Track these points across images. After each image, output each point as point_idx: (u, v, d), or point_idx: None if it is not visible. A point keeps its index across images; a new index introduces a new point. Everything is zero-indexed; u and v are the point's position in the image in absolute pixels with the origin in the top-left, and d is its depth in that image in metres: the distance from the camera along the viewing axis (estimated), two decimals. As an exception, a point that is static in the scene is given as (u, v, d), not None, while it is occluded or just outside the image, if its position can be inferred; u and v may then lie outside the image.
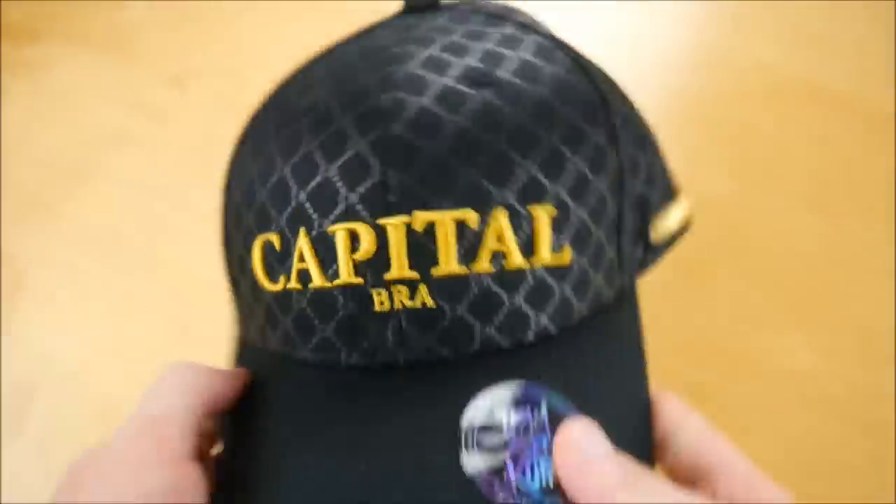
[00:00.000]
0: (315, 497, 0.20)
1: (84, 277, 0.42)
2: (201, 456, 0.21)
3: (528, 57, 0.23)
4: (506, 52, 0.23)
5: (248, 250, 0.23)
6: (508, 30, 0.25)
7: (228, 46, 0.53)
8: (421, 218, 0.20)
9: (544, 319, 0.21)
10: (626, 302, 0.25)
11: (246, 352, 0.25)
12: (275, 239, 0.22)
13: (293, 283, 0.21)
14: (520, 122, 0.21)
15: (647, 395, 0.23)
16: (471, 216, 0.20)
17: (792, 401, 0.38)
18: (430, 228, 0.20)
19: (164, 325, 0.40)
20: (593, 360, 0.22)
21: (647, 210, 0.25)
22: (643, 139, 0.27)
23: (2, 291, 0.42)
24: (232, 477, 0.22)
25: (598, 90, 0.24)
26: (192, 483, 0.20)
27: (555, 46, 0.25)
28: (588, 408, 0.20)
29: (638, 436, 0.21)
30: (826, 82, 0.51)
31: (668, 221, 0.28)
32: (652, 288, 0.42)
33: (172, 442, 0.20)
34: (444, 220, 0.20)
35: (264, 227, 0.22)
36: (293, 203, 0.21)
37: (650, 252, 0.27)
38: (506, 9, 0.27)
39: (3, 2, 0.55)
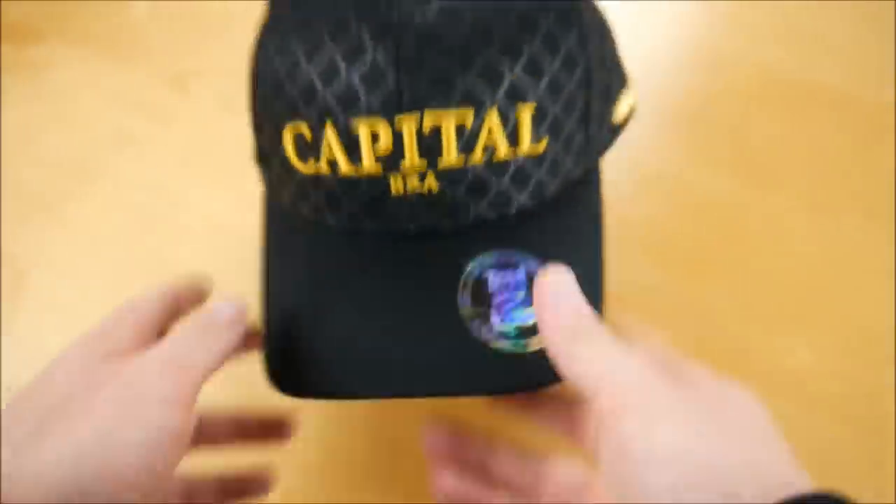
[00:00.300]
0: (352, 330, 0.27)
1: (85, 277, 0.42)
2: None
3: None
4: None
5: (280, 135, 0.28)
6: None
7: (230, 46, 0.53)
8: (429, 118, 0.25)
9: (524, 197, 0.27)
10: (591, 177, 0.31)
11: (275, 207, 0.31)
12: (305, 129, 0.26)
13: (323, 168, 0.26)
14: (508, 32, 0.25)
15: (602, 255, 0.30)
16: (467, 115, 0.25)
17: (792, 401, 0.38)
18: (436, 128, 0.25)
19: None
20: (563, 226, 0.29)
21: (609, 96, 0.30)
22: (605, 30, 0.31)
23: (2, 291, 0.42)
24: (275, 310, 0.29)
25: (582, 13, 0.28)
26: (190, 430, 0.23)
27: None
28: (558, 254, 0.27)
29: (593, 288, 0.28)
30: (826, 82, 0.51)
31: (623, 106, 0.32)
32: (652, 288, 0.42)
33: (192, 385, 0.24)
34: (448, 120, 0.25)
35: (295, 117, 0.27)
36: (320, 101, 0.26)
37: (611, 133, 0.32)
38: None
39: (3, 2, 0.55)
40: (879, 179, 0.46)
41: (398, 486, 0.36)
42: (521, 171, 0.27)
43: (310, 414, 0.37)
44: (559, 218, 0.28)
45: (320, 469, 0.36)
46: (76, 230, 0.44)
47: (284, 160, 0.28)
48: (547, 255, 0.27)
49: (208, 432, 0.31)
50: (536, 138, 0.26)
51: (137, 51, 0.53)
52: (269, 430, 0.33)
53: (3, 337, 0.40)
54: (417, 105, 0.25)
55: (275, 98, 0.28)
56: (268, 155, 0.30)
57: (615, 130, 0.33)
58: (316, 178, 0.27)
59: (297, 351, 0.28)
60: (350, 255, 0.28)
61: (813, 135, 0.48)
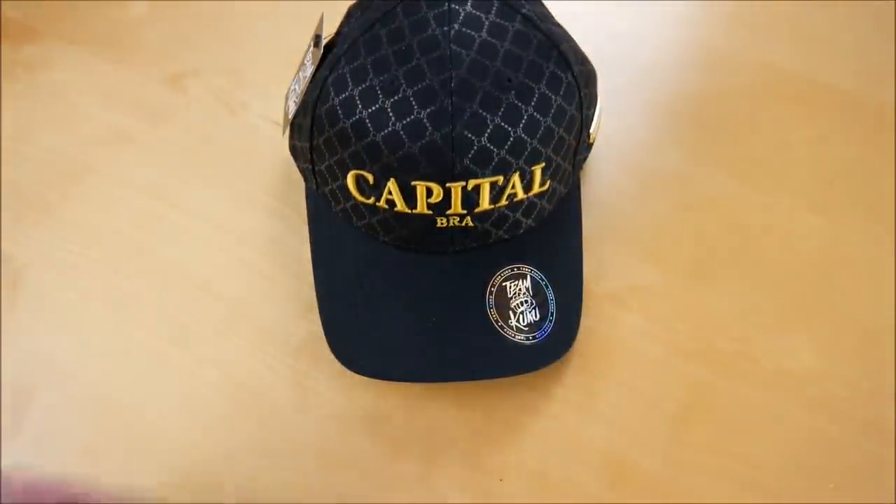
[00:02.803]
0: (400, 324, 0.35)
1: (83, 277, 0.42)
2: None
3: (546, 91, 0.34)
4: (537, 86, 0.34)
5: (343, 173, 0.35)
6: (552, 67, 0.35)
7: (228, 46, 0.53)
8: (472, 183, 0.33)
9: (530, 221, 0.37)
10: (573, 190, 0.40)
11: (323, 205, 0.39)
12: (369, 176, 0.34)
13: (381, 204, 0.35)
14: (531, 115, 0.34)
15: (581, 248, 0.39)
16: (500, 179, 0.34)
17: (792, 401, 0.38)
18: (476, 188, 0.34)
19: (164, 325, 0.40)
20: (556, 235, 0.39)
21: (588, 126, 0.39)
22: (590, 78, 0.38)
23: (1, 290, 0.42)
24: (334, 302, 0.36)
25: (574, 78, 0.36)
26: None
27: (561, 62, 0.36)
28: (552, 263, 0.37)
29: (577, 276, 0.38)
30: (827, 82, 0.51)
31: (594, 125, 0.40)
32: (652, 288, 0.42)
33: None
34: (485, 183, 0.34)
35: (359, 166, 0.34)
36: (385, 161, 0.33)
37: (587, 149, 0.41)
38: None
39: (1, 1, 0.55)
40: (881, 179, 0.46)
41: (399, 487, 0.36)
42: (531, 205, 0.36)
43: (309, 416, 0.37)
44: (553, 229, 0.38)
45: (320, 470, 0.36)
46: (73, 229, 0.44)
47: (344, 189, 0.36)
48: (546, 260, 0.37)
49: None
50: (543, 182, 0.36)
51: (135, 50, 0.53)
52: None
53: (1, 336, 0.40)
54: (464, 176, 0.33)
55: (341, 147, 0.34)
56: (322, 173, 0.37)
57: (590, 147, 0.41)
58: (373, 208, 0.35)
59: (353, 335, 0.35)
60: (398, 264, 0.36)
61: (814, 135, 0.48)
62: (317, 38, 0.37)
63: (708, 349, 0.40)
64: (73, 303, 0.41)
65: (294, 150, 0.40)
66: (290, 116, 0.38)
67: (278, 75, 0.50)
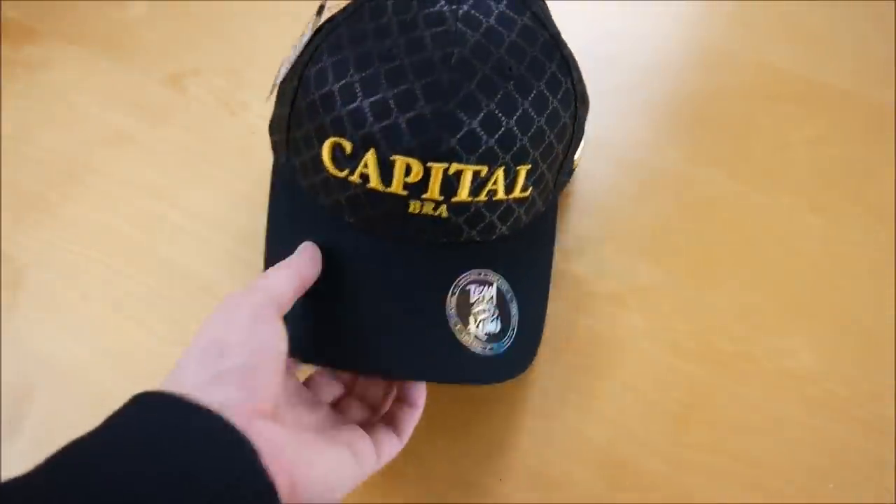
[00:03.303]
0: (357, 315, 0.32)
1: (83, 277, 0.42)
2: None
3: (545, 90, 0.33)
4: (535, 82, 0.33)
5: (320, 141, 0.32)
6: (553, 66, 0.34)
7: (227, 46, 0.53)
8: (454, 167, 0.31)
9: (505, 228, 0.35)
10: (550, 209, 0.38)
11: (289, 181, 0.36)
12: (347, 146, 0.32)
13: (354, 178, 0.32)
14: (526, 110, 0.32)
15: (550, 271, 0.37)
16: (483, 169, 0.32)
17: (792, 401, 0.38)
18: (458, 174, 0.31)
19: (164, 325, 0.40)
20: (528, 249, 0.36)
21: (574, 146, 0.38)
22: (585, 98, 0.37)
23: (1, 291, 0.42)
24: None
25: (574, 87, 0.35)
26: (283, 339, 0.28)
27: (564, 72, 0.35)
28: (521, 277, 0.35)
29: (542, 298, 0.37)
30: (827, 81, 0.51)
31: (579, 151, 0.40)
32: (652, 288, 0.42)
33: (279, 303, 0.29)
34: (468, 170, 0.31)
35: (339, 133, 0.32)
36: (368, 129, 0.31)
37: (568, 175, 0.40)
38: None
39: (1, 1, 0.55)
40: (881, 179, 0.46)
41: (399, 487, 0.36)
42: (508, 210, 0.34)
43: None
44: (526, 243, 0.36)
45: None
46: (73, 229, 0.44)
47: (317, 159, 0.33)
48: (515, 273, 0.35)
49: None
50: (525, 188, 0.34)
51: (135, 50, 0.53)
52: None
53: (1, 336, 0.40)
54: (448, 157, 0.31)
55: (323, 111, 0.32)
56: (297, 143, 0.35)
57: (571, 172, 0.41)
58: (344, 182, 0.32)
59: (300, 318, 0.32)
60: (360, 250, 0.33)
61: (814, 135, 0.48)
62: (320, 8, 0.35)
63: (708, 349, 0.40)
64: (73, 303, 0.41)
65: (272, 123, 0.38)
66: (279, 81, 0.36)
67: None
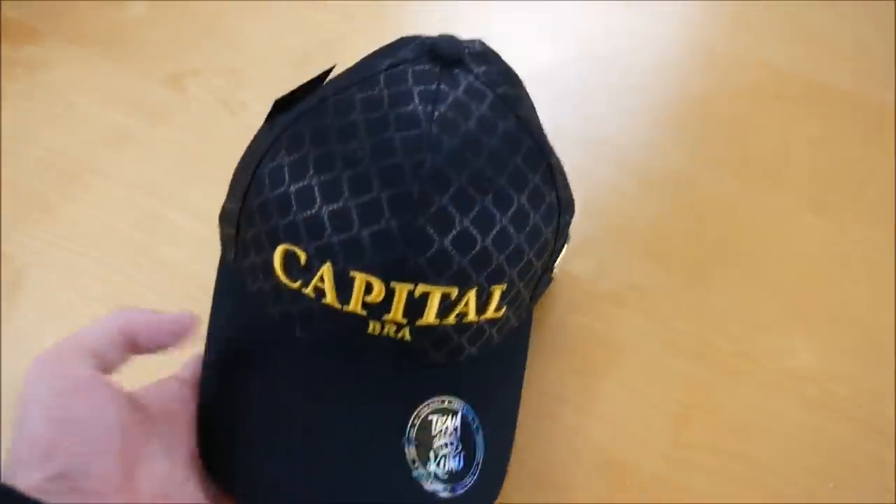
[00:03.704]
0: (300, 452, 0.28)
1: (83, 276, 0.42)
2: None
3: (526, 205, 0.30)
4: (514, 194, 0.29)
5: (271, 245, 0.29)
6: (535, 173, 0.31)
7: (227, 46, 0.53)
8: (421, 288, 0.27)
9: (474, 349, 0.31)
10: (526, 323, 0.34)
11: (237, 281, 0.31)
12: (301, 255, 0.28)
13: (308, 292, 0.28)
14: (504, 227, 0.29)
15: (520, 393, 0.33)
16: (454, 291, 0.28)
17: (792, 401, 0.38)
18: (425, 295, 0.28)
19: (164, 325, 0.40)
20: (498, 370, 0.32)
21: (556, 256, 0.35)
22: (571, 206, 0.34)
23: (1, 291, 0.42)
24: (219, 421, 0.29)
25: (558, 199, 0.32)
26: (105, 407, 0.25)
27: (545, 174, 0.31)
28: (489, 401, 0.31)
29: (510, 424, 0.32)
30: (827, 81, 0.51)
31: (561, 258, 0.36)
32: (653, 288, 0.42)
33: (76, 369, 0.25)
34: (436, 292, 0.28)
35: (293, 241, 0.28)
36: (325, 240, 0.27)
37: (547, 284, 0.36)
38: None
39: (1, 1, 0.55)
40: (881, 179, 0.46)
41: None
42: (478, 331, 0.30)
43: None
44: (496, 362, 0.32)
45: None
46: (73, 229, 0.44)
47: (268, 265, 0.29)
48: (483, 398, 0.31)
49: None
50: (499, 308, 0.30)
51: (135, 50, 0.53)
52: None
53: (1, 335, 0.40)
54: (415, 278, 0.27)
55: (276, 214, 0.29)
56: (246, 241, 0.31)
57: (550, 281, 0.37)
58: (297, 294, 0.28)
59: (237, 444, 0.29)
60: (310, 370, 0.29)
61: (815, 134, 0.48)
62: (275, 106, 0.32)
63: (708, 349, 0.40)
64: (73, 303, 0.41)
65: (222, 214, 0.34)
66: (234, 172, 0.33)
67: (278, 75, 0.50)
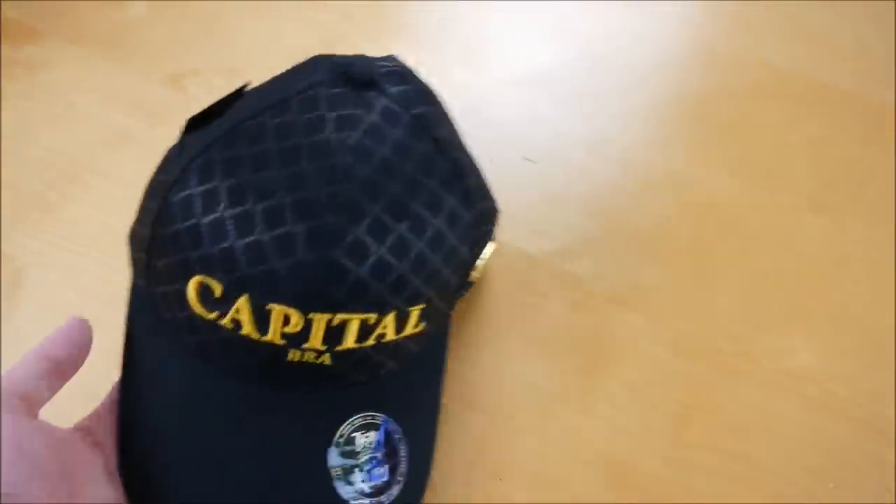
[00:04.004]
0: (229, 477, 0.28)
1: (83, 276, 0.42)
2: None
3: (443, 227, 0.30)
4: (428, 216, 0.29)
5: (185, 276, 0.28)
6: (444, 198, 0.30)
7: (228, 46, 0.53)
8: (339, 317, 0.27)
9: (393, 364, 0.31)
10: (444, 326, 0.34)
11: (150, 309, 0.31)
12: (216, 287, 0.27)
13: (225, 323, 0.28)
14: (421, 251, 0.29)
15: (440, 395, 0.33)
16: (372, 317, 0.28)
17: (792, 401, 0.38)
18: (343, 324, 0.28)
19: (164, 325, 0.40)
20: (418, 376, 0.32)
21: (474, 265, 0.34)
22: (492, 214, 0.34)
23: (1, 291, 0.42)
24: (133, 458, 0.29)
25: (475, 216, 0.31)
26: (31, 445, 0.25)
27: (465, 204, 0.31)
28: (411, 409, 0.32)
29: (431, 431, 0.32)
30: (827, 81, 0.51)
31: (480, 265, 0.36)
32: (652, 288, 0.42)
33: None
34: (354, 320, 0.28)
35: (207, 272, 0.27)
36: (241, 275, 0.27)
37: (465, 288, 0.36)
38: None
39: (1, 1, 0.55)
40: (881, 179, 0.46)
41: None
42: (397, 348, 0.31)
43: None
44: (415, 372, 0.32)
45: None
46: (73, 229, 0.44)
47: (181, 295, 0.28)
48: (405, 408, 0.32)
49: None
50: (418, 325, 0.30)
51: (135, 50, 0.53)
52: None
53: (1, 336, 0.40)
54: (333, 308, 0.27)
55: (188, 245, 0.28)
56: (158, 269, 0.30)
57: (471, 283, 0.37)
58: (213, 325, 0.28)
59: (162, 479, 0.29)
60: (231, 398, 0.29)
61: (814, 134, 0.48)
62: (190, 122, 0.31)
63: (708, 349, 0.40)
64: (73, 303, 0.41)
65: (132, 236, 0.33)
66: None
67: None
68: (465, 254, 0.31)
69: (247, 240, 0.27)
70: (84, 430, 0.29)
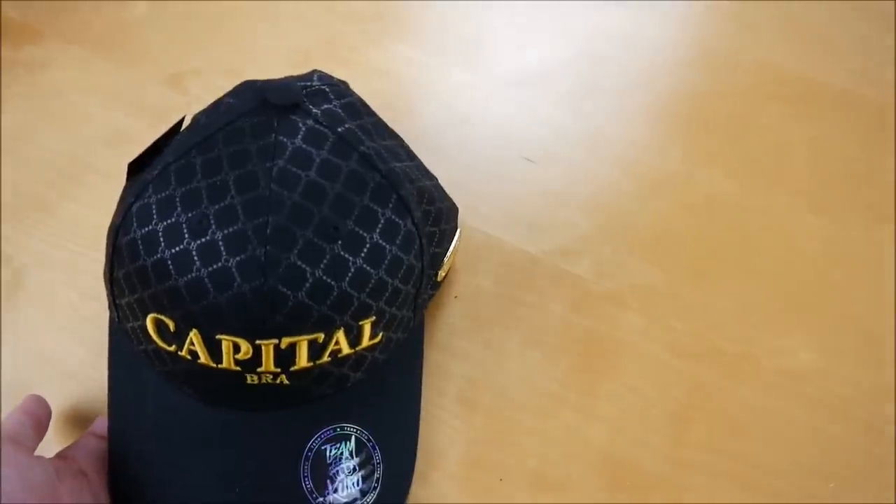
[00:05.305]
0: (219, 495, 0.30)
1: (83, 277, 0.42)
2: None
3: (380, 240, 0.30)
4: (364, 232, 0.30)
5: (143, 313, 0.30)
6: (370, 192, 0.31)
7: (228, 46, 0.53)
8: (286, 341, 0.28)
9: (359, 374, 0.32)
10: (416, 330, 0.35)
11: (122, 346, 0.33)
12: (169, 322, 0.29)
13: (184, 354, 0.29)
14: (359, 267, 0.29)
15: (419, 397, 0.35)
16: (320, 336, 0.29)
17: (792, 401, 0.38)
18: (291, 346, 0.29)
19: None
20: (390, 381, 0.33)
21: (437, 263, 0.35)
22: (442, 214, 0.35)
23: (1, 291, 0.42)
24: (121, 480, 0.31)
25: (417, 227, 0.32)
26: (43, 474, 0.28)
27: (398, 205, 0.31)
28: (382, 415, 0.33)
29: (411, 433, 0.34)
30: (827, 81, 0.51)
31: (447, 265, 0.36)
32: (653, 288, 0.42)
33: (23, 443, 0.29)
34: (302, 342, 0.29)
35: (159, 310, 0.29)
36: (188, 311, 0.28)
37: (434, 288, 0.36)
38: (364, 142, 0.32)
39: (1, 1, 0.55)
40: (881, 179, 0.46)
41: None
42: (360, 358, 0.31)
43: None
44: (388, 377, 0.33)
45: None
46: (73, 229, 0.44)
47: (143, 330, 0.30)
48: (376, 415, 0.32)
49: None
50: (374, 335, 0.31)
51: (136, 50, 0.53)
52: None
53: (1, 336, 0.40)
54: (277, 334, 0.28)
55: (140, 286, 0.29)
56: (122, 307, 0.32)
57: (438, 284, 0.37)
58: (174, 356, 0.30)
59: (144, 500, 0.31)
60: (202, 422, 0.31)
61: (815, 134, 0.48)
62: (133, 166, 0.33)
63: (708, 349, 0.40)
64: (73, 303, 0.41)
65: (103, 274, 0.34)
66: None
67: (279, 75, 0.50)
68: (411, 262, 0.32)
69: (187, 277, 0.28)
70: (69, 458, 0.31)
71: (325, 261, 0.28)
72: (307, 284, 0.28)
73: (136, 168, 0.32)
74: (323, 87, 0.32)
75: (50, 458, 0.30)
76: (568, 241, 0.43)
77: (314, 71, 0.34)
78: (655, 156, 0.47)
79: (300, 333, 0.28)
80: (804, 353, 0.39)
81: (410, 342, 0.35)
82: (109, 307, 0.34)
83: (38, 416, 0.32)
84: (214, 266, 0.28)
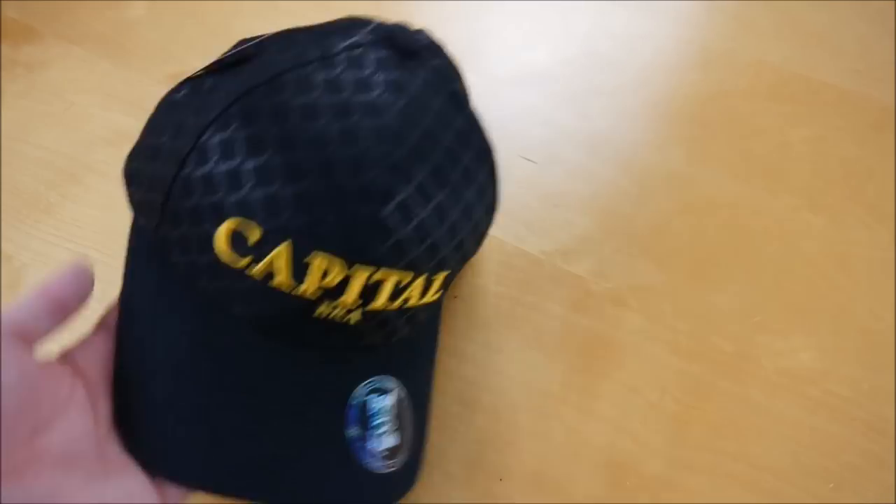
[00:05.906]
0: (236, 432, 0.28)
1: (83, 277, 0.42)
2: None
3: (473, 200, 0.31)
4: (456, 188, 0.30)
5: (216, 219, 0.27)
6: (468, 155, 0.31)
7: (227, 46, 0.53)
8: (379, 274, 0.27)
9: (407, 330, 0.31)
10: (442, 297, 0.35)
11: (158, 256, 0.29)
12: (254, 232, 0.26)
13: (256, 272, 0.27)
14: (455, 220, 0.30)
15: (435, 364, 0.35)
16: (407, 277, 0.28)
17: (792, 401, 0.38)
18: (379, 282, 0.28)
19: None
20: (420, 345, 0.34)
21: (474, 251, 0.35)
22: (494, 184, 0.34)
23: (1, 291, 0.42)
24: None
25: (494, 198, 0.34)
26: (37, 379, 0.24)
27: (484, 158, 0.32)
28: (414, 378, 0.33)
29: (429, 399, 0.34)
30: (827, 81, 0.51)
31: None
32: (653, 288, 0.42)
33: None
34: (391, 278, 0.28)
35: (246, 214, 0.26)
36: (285, 221, 0.26)
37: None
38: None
39: (1, 1, 0.55)
40: (881, 179, 0.46)
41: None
42: (415, 314, 0.31)
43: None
44: (419, 341, 0.34)
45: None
46: (73, 229, 0.44)
47: (206, 239, 0.27)
48: (410, 375, 0.32)
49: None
50: (437, 292, 0.31)
51: (135, 50, 0.53)
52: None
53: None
54: (376, 262, 0.27)
55: (225, 188, 0.26)
56: (179, 212, 0.28)
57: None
58: (239, 273, 0.27)
59: (165, 430, 0.27)
60: (247, 354, 0.28)
61: (814, 134, 0.48)
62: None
63: (708, 349, 0.40)
64: (73, 303, 0.41)
65: (136, 175, 0.31)
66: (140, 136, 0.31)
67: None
68: (484, 229, 0.34)
69: (295, 188, 0.26)
70: (67, 356, 0.28)
71: (432, 204, 0.28)
72: (413, 222, 0.28)
73: (217, 69, 0.31)
74: (433, 44, 0.32)
75: (39, 359, 0.26)
76: (568, 242, 0.43)
77: (421, 29, 0.33)
78: (655, 156, 0.47)
79: (393, 269, 0.28)
80: (804, 354, 0.39)
81: (438, 314, 0.35)
82: (144, 210, 0.30)
83: (60, 299, 0.26)
84: (329, 183, 0.26)
